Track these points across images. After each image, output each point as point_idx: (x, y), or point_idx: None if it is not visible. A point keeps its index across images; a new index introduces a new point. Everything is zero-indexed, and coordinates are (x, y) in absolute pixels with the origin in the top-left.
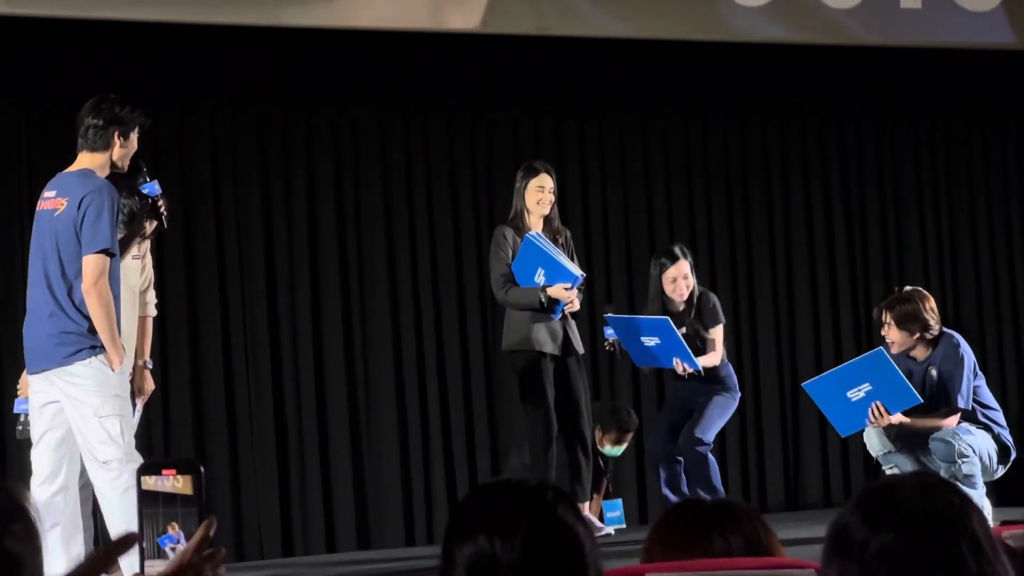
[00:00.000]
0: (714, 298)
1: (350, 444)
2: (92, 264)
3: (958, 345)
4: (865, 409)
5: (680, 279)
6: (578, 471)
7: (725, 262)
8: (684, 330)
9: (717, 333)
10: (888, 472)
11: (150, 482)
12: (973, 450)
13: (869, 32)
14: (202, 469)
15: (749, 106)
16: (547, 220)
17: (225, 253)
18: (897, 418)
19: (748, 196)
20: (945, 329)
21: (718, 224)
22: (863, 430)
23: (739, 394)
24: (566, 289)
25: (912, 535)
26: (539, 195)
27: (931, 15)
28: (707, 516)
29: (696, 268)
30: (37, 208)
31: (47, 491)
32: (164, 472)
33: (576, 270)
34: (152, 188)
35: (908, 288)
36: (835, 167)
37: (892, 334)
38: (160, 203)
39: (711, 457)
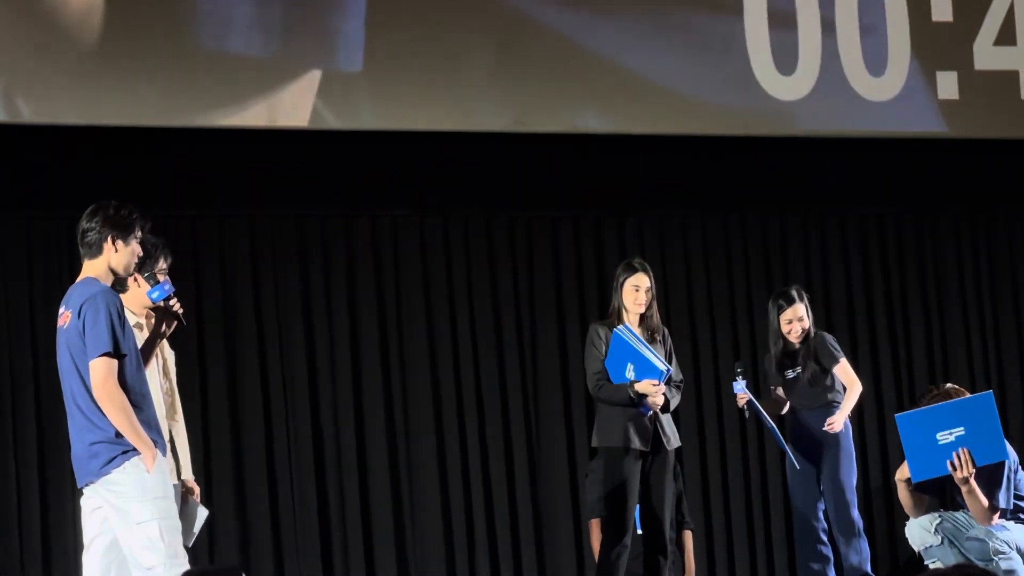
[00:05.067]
0: (829, 337)
1: (395, 549)
2: (96, 368)
3: None
4: (949, 454)
5: (795, 321)
6: (652, 567)
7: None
8: (799, 370)
9: (842, 368)
10: (931, 566)
11: None
12: (1009, 546)
13: (906, 123)
14: None
15: (788, 200)
16: (644, 318)
17: (267, 355)
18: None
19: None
20: None
21: (759, 318)
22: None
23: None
24: (653, 385)
25: None
26: (635, 294)
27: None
28: None
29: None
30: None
31: None
32: None
33: (661, 364)
34: (161, 292)
35: (946, 385)
36: (876, 262)
37: None
38: (172, 301)
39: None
